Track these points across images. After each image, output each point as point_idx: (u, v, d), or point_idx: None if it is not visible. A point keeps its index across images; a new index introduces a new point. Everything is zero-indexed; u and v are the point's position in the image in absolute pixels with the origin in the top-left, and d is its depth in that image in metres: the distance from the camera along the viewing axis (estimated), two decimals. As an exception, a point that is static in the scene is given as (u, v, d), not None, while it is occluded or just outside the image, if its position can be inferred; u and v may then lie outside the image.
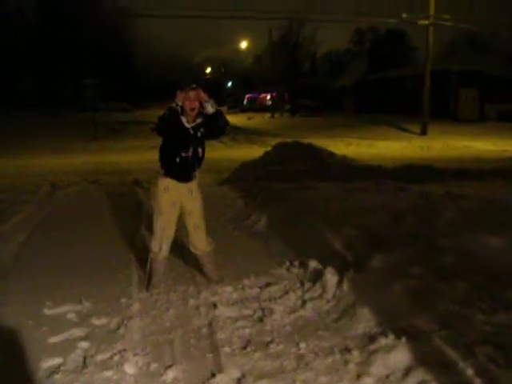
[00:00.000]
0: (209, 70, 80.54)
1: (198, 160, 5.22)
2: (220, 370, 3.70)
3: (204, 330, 4.37)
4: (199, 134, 5.12)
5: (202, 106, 5.01)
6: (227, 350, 4.01)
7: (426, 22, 29.82)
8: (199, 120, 5.09)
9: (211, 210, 8.78)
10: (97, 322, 4.50)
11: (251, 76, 64.90)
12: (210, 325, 4.47)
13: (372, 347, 3.89)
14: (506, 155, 19.91)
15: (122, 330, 4.31)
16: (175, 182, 5.14)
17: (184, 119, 5.00)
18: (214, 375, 3.64)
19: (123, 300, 4.97)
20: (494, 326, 3.81)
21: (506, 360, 3.47)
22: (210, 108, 4.98)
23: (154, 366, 3.78)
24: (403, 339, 3.81)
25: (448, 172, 13.80)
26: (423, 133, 30.82)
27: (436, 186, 10.72)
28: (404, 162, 16.01)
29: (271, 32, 51.11)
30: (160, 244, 5.19)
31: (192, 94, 4.94)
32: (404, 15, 30.07)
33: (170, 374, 3.66)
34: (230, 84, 76.87)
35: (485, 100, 39.73)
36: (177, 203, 5.18)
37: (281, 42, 52.12)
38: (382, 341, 3.90)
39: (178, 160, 5.07)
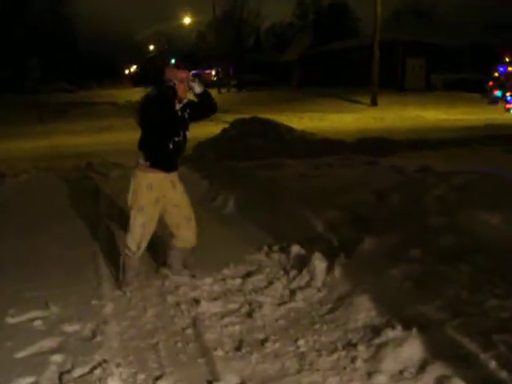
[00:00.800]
0: (152, 47, 78.80)
1: (185, 144, 4.80)
2: (216, 378, 3.28)
3: (190, 331, 3.94)
4: (186, 116, 4.69)
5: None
6: (220, 353, 3.60)
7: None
8: (185, 101, 4.67)
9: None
10: (68, 328, 3.99)
11: (196, 52, 63.75)
12: (194, 324, 4.05)
13: (378, 340, 3.54)
14: (460, 124, 19.95)
15: (98, 337, 3.83)
16: (159, 177, 4.63)
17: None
18: (210, 384, 3.24)
19: (94, 302, 4.46)
20: (510, 311, 3.50)
21: (528, 348, 3.18)
22: (197, 88, 4.62)
23: (140, 377, 3.33)
24: (413, 330, 3.46)
25: (408, 143, 13.68)
26: (374, 103, 30.81)
27: (403, 159, 10.55)
28: (361, 133, 15.83)
29: (214, 7, 50.18)
30: (139, 242, 4.71)
31: (184, 74, 4.56)
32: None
33: (162, 387, 3.24)
34: (173, 61, 75.36)
35: (430, 69, 39.98)
36: (160, 199, 4.70)
37: (225, 16, 51.30)
38: (389, 333, 3.55)
39: (171, 146, 4.60)
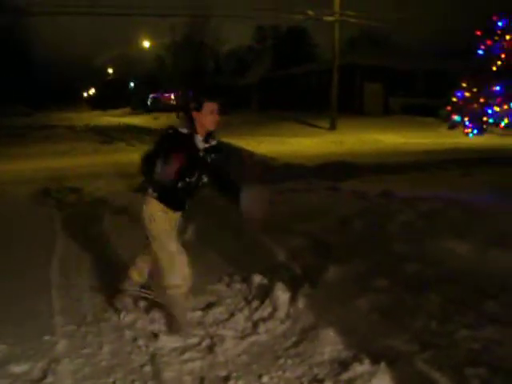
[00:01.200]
0: (111, 70, 78.34)
1: (199, 187, 4.40)
2: (176, 421, 3.09)
3: (148, 368, 3.73)
4: (208, 160, 4.30)
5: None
6: (180, 393, 3.41)
7: (332, 19, 30.02)
8: (214, 142, 4.31)
9: (132, 221, 8.11)
10: (16, 369, 3.71)
11: (154, 76, 63.47)
12: (153, 361, 3.84)
13: (346, 376, 3.40)
14: (418, 148, 20.15)
15: (49, 378, 3.57)
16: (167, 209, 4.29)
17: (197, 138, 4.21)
18: (170, 428, 3.04)
19: (46, 337, 4.19)
20: (482, 342, 3.40)
21: (502, 382, 3.08)
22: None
23: (95, 422, 3.12)
24: (382, 364, 3.33)
25: (368, 167, 13.71)
26: (332, 128, 30.98)
27: (364, 183, 10.53)
28: (321, 158, 15.82)
29: (174, 30, 50.15)
30: (183, 271, 4.20)
31: (215, 105, 4.26)
32: (310, 12, 30.12)
33: (118, 433, 3.02)
34: (132, 84, 74.90)
35: (388, 94, 40.59)
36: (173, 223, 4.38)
37: (184, 40, 51.33)
38: (357, 367, 3.41)
39: (180, 185, 4.22)
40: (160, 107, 56.16)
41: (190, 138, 4.17)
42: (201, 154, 4.23)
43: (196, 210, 7.81)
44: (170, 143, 4.14)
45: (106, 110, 59.69)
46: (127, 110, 61.36)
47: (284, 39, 61.06)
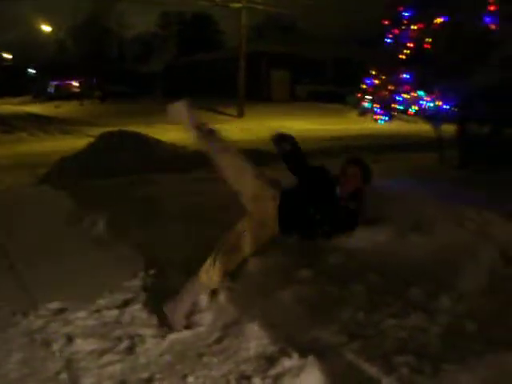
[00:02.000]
0: (9, 56, 74.75)
1: None
2: (98, 432, 2.89)
3: (64, 376, 3.48)
4: None
5: None
6: (101, 400, 3.20)
7: (239, 5, 29.95)
8: None
9: (36, 214, 7.71)
10: None
11: (56, 62, 61.13)
12: (69, 366, 3.59)
13: (274, 371, 3.30)
14: (326, 134, 20.48)
15: (-48, 394, 3.29)
16: None
17: None
18: None
19: None
20: (408, 330, 3.40)
21: (430, 368, 3.08)
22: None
23: None
24: (310, 358, 3.26)
25: (277, 154, 13.71)
26: (240, 115, 31.06)
27: (274, 171, 10.49)
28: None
29: (76, 14, 48.54)
30: None
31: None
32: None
33: None
34: (32, 71, 71.87)
35: (295, 81, 41.06)
36: None
37: (87, 24, 49.76)
38: (285, 362, 3.32)
39: None
40: (63, 95, 54.24)
41: None
42: None
43: (107, 201, 7.58)
44: None
45: (4, 98, 56.93)
46: (28, 97, 58.82)
47: (189, 25, 60.47)
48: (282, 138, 4.74)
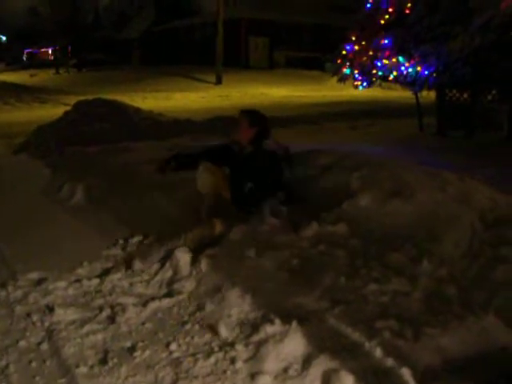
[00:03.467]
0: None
1: None
2: (82, 401, 2.87)
3: (45, 346, 3.44)
4: None
5: None
6: (83, 369, 3.14)
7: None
8: None
9: (14, 183, 7.60)
10: None
11: (29, 28, 59.79)
12: (50, 337, 3.55)
13: (257, 338, 3.29)
14: (305, 101, 20.40)
15: None
16: None
17: None
18: (75, 409, 2.81)
19: None
20: (390, 295, 3.42)
21: (412, 332, 3.10)
22: None
23: (-11, 413, 2.83)
24: (293, 323, 3.26)
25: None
26: (219, 82, 30.78)
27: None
28: (208, 112, 15.64)
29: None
30: None
31: None
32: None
33: (16, 421, 2.75)
34: (4, 38, 70.34)
35: (274, 47, 40.67)
36: None
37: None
38: (268, 328, 3.31)
39: None
40: (37, 63, 53.26)
41: None
42: None
43: (85, 169, 7.49)
44: None
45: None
46: (1, 65, 57.66)
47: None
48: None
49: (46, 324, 3.71)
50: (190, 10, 54.97)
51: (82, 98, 14.84)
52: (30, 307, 3.96)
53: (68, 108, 13.80)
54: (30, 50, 57.33)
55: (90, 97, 14.21)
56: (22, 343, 3.48)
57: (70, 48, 53.03)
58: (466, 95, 11.03)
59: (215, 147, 5.54)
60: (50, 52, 55.37)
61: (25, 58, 56.63)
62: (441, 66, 9.09)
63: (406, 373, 2.79)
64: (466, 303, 3.37)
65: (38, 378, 3.10)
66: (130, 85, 31.12)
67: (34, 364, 3.24)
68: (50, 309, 3.89)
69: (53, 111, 15.13)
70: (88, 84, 33.44)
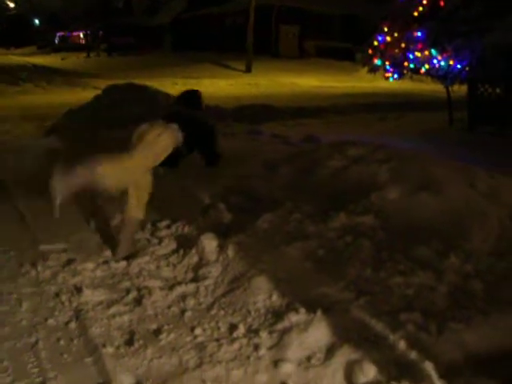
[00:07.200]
0: (12, 5, 73.68)
1: None
2: (108, 380, 2.93)
3: (73, 325, 3.53)
4: None
5: None
6: (109, 349, 3.22)
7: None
8: None
9: (44, 165, 7.69)
10: None
11: (61, 12, 60.15)
12: (77, 317, 3.63)
13: (281, 326, 3.32)
14: (335, 92, 20.29)
15: (-36, 340, 3.33)
16: None
17: None
18: (102, 387, 2.87)
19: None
20: (416, 288, 3.42)
21: (436, 326, 3.10)
22: None
23: (18, 387, 2.91)
24: (318, 313, 3.28)
25: (287, 110, 13.65)
26: (248, 70, 30.72)
27: (283, 127, 10.47)
28: (237, 100, 15.65)
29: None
30: None
31: None
32: None
33: (45, 397, 2.82)
34: (37, 21, 70.94)
35: (304, 36, 40.39)
36: None
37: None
38: (292, 317, 3.34)
39: None
40: (68, 46, 53.64)
41: None
42: None
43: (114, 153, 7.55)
44: None
45: (10, 49, 56.34)
46: (33, 48, 58.16)
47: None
48: None
49: (74, 304, 3.80)
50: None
51: (111, 82, 14.98)
52: (59, 287, 4.05)
53: (98, 92, 13.91)
54: (61, 34, 57.67)
55: (119, 81, 14.33)
56: (51, 321, 3.57)
57: (101, 32, 53.33)
58: (498, 90, 10.88)
59: None
60: (82, 36, 55.67)
61: (56, 42, 57.00)
62: (474, 60, 8.99)
63: (428, 366, 2.80)
64: (491, 299, 3.36)
65: (65, 356, 3.19)
66: (160, 70, 31.18)
67: (62, 342, 3.33)
68: (78, 289, 3.97)
69: (83, 94, 15.26)
70: (118, 68, 33.59)
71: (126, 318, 3.62)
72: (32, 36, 63.81)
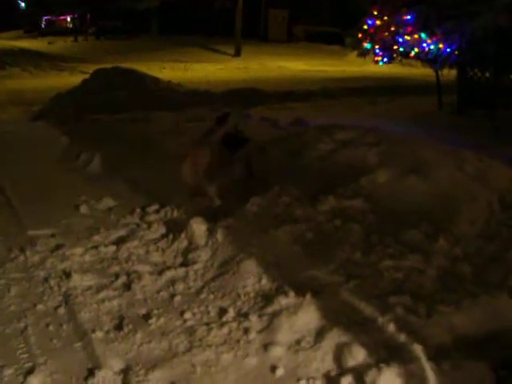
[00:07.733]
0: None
1: None
2: (98, 365, 2.91)
3: (62, 310, 3.51)
4: None
5: None
6: (99, 334, 3.21)
7: None
8: None
9: (32, 150, 7.64)
10: None
11: (48, -4, 59.43)
12: (66, 302, 3.62)
13: (271, 309, 3.33)
14: (324, 75, 20.22)
15: (-48, 326, 3.30)
16: None
17: None
18: (92, 372, 2.84)
19: None
20: (405, 271, 3.42)
21: (425, 309, 3.11)
22: None
23: (8, 372, 2.87)
24: (307, 296, 3.29)
25: (275, 94, 13.63)
26: (237, 54, 30.54)
27: (272, 110, 10.45)
28: (226, 84, 15.57)
29: None
30: None
31: None
32: None
33: (34, 382, 2.80)
34: (23, 5, 70.07)
35: (293, 20, 40.14)
36: None
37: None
38: (282, 300, 3.34)
39: None
40: (55, 30, 53.04)
41: None
42: None
43: (103, 138, 7.52)
44: None
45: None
46: (19, 32, 57.50)
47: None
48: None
49: (63, 289, 3.78)
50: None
51: (99, 66, 14.86)
52: (48, 272, 4.03)
53: (86, 76, 13.84)
54: (48, 18, 56.91)
55: (107, 65, 14.24)
56: (40, 307, 3.55)
57: (88, 16, 52.78)
58: (487, 74, 10.89)
59: None
60: (69, 20, 54.95)
61: (43, 26, 56.27)
62: (463, 44, 8.98)
63: (417, 349, 2.81)
64: (480, 282, 3.37)
65: (55, 341, 3.17)
66: (148, 54, 30.94)
67: (51, 327, 3.32)
68: (67, 274, 3.95)
69: (70, 79, 15.14)
70: (106, 52, 33.30)
71: (115, 302, 3.61)
72: (18, 20, 63.03)
